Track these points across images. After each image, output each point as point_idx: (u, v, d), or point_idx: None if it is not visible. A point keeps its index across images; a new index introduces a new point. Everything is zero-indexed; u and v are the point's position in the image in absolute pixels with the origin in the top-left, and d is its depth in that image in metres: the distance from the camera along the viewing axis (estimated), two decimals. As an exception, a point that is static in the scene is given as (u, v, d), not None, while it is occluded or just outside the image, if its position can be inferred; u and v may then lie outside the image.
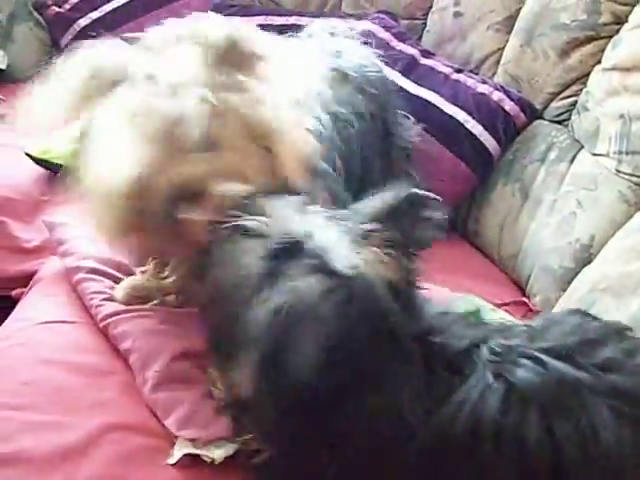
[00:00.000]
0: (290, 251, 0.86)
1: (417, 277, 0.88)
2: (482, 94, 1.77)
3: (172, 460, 0.96)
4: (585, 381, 0.77)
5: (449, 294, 1.30)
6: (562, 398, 0.76)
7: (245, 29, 1.06)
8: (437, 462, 0.79)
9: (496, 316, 1.27)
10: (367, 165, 1.44)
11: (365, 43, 1.66)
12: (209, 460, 0.96)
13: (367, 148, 1.45)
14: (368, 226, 0.86)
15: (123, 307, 1.20)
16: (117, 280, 1.28)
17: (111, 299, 1.23)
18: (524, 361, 0.79)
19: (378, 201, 0.89)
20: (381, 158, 1.51)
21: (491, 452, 0.76)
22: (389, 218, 0.87)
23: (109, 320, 1.17)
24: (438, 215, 0.89)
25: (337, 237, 0.85)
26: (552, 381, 0.77)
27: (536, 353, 0.79)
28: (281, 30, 1.66)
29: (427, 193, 0.89)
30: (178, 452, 0.97)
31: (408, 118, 1.66)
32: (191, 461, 0.97)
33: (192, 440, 0.98)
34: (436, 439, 0.78)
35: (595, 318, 0.95)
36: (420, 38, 2.08)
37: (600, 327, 0.89)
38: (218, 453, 0.96)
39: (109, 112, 1.01)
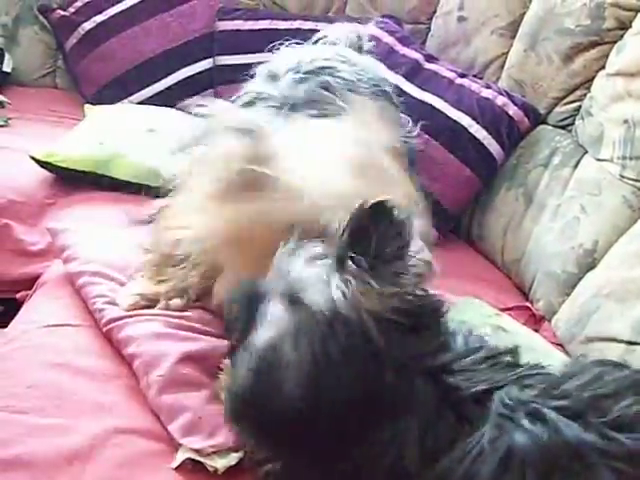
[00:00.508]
0: (266, 292, 0.86)
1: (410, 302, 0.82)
2: (486, 99, 1.77)
3: (175, 464, 0.96)
4: (590, 443, 0.74)
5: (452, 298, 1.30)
6: (563, 461, 0.74)
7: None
8: None
9: (502, 323, 1.27)
10: None
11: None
12: (212, 469, 0.96)
13: None
14: (338, 252, 0.83)
15: (126, 313, 1.20)
16: (121, 283, 1.28)
17: (114, 302, 1.23)
18: (527, 422, 0.76)
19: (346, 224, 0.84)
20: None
21: None
22: (356, 239, 0.82)
23: (113, 325, 1.17)
24: (398, 220, 0.82)
25: (315, 272, 0.84)
26: (554, 444, 0.74)
27: (545, 410, 0.77)
28: (286, 34, 1.65)
29: (383, 198, 0.82)
30: (181, 456, 0.97)
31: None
32: (194, 467, 0.97)
33: (196, 450, 0.98)
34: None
35: (620, 366, 0.90)
36: (424, 42, 2.08)
37: (620, 379, 0.84)
38: (221, 463, 0.96)
39: None
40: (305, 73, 1.42)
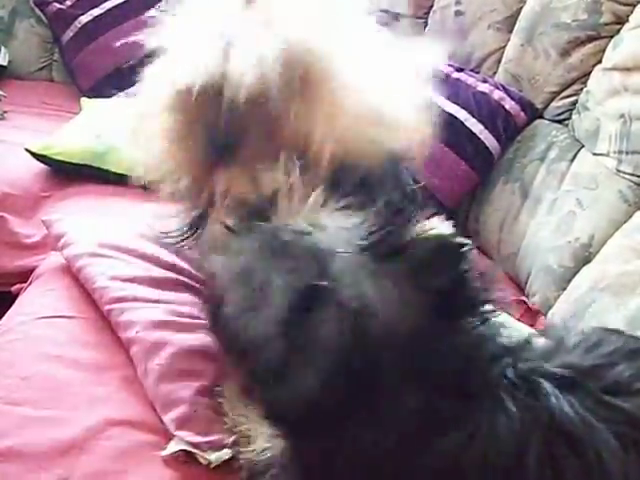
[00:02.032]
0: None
1: None
2: (483, 93, 1.76)
3: (165, 452, 0.96)
4: (592, 409, 0.75)
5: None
6: (565, 428, 0.74)
7: None
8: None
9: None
10: None
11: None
12: (205, 462, 0.96)
13: None
14: None
15: (127, 293, 1.20)
16: (118, 259, 1.28)
17: (115, 278, 1.22)
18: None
19: None
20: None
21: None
22: None
23: (114, 306, 1.17)
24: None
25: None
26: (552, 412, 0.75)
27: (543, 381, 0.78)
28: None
29: None
30: (173, 446, 0.97)
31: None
32: (187, 460, 0.97)
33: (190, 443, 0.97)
34: (450, 459, 0.77)
35: (616, 332, 0.91)
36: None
37: (617, 346, 0.84)
38: (215, 457, 0.96)
39: None
40: None
